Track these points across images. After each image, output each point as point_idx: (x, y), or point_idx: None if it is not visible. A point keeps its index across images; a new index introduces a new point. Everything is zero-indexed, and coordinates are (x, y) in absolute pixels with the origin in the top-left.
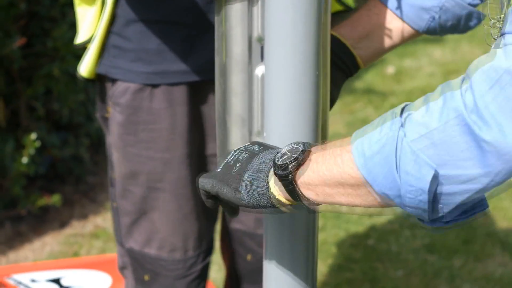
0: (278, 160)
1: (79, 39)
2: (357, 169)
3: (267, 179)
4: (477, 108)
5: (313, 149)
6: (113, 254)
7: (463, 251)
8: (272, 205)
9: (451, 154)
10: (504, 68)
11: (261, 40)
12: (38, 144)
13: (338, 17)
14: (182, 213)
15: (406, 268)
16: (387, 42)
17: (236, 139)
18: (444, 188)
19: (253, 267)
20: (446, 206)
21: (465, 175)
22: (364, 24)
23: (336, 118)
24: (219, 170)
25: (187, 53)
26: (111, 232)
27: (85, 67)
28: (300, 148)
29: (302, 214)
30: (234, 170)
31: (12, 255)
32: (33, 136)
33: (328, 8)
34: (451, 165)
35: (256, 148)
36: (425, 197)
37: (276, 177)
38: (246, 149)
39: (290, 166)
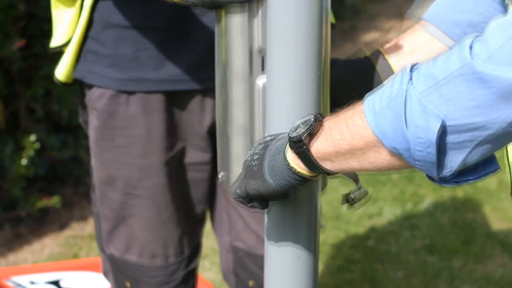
0: (292, 134)
1: (54, 43)
2: (368, 126)
3: (285, 156)
4: (491, 57)
5: (326, 118)
6: None
7: (463, 252)
8: (298, 180)
9: (458, 104)
10: None
11: (262, 51)
12: (37, 145)
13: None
14: (160, 219)
15: (406, 269)
16: None
17: (238, 148)
18: (452, 138)
19: None
20: (454, 159)
21: (472, 123)
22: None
23: None
24: (242, 172)
25: (163, 61)
26: None
27: (61, 71)
28: (312, 118)
29: (304, 215)
30: (254, 164)
31: (12, 257)
32: (33, 137)
33: (328, 20)
34: (458, 114)
35: (268, 138)
36: (433, 148)
37: (292, 151)
38: (259, 144)
39: (303, 137)
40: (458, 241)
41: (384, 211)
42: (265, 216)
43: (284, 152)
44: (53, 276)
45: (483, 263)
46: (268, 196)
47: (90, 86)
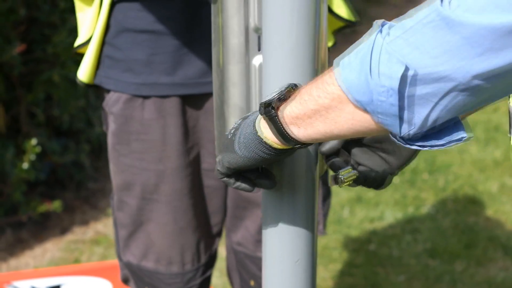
0: (263, 100)
1: (78, 42)
2: (335, 82)
3: (255, 125)
4: (460, 5)
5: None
6: (113, 261)
7: (464, 256)
8: (268, 151)
9: (423, 51)
10: None
11: (258, 30)
12: (38, 150)
13: (340, 33)
14: (178, 226)
15: (407, 273)
16: None
17: None
18: (415, 89)
19: None
20: (417, 114)
21: (436, 72)
22: None
23: None
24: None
25: (176, 65)
26: (112, 239)
27: (84, 73)
28: (286, 85)
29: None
30: (229, 137)
31: (13, 262)
32: (34, 142)
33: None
34: (423, 62)
35: (249, 113)
36: (395, 98)
37: (262, 117)
38: (240, 118)
39: (273, 102)
40: (460, 245)
41: (385, 215)
42: (262, 219)
43: (254, 121)
44: (54, 281)
45: (485, 267)
46: (240, 168)
47: (108, 91)
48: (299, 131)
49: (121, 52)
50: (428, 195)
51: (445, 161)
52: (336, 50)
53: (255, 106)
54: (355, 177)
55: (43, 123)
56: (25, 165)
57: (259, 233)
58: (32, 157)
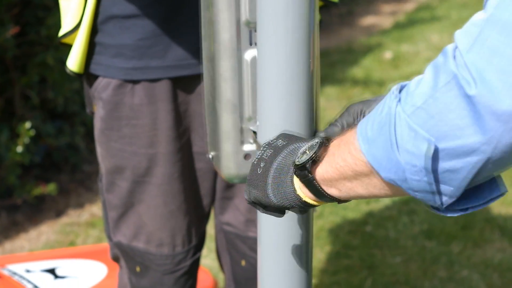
0: (297, 161)
1: (63, 31)
2: (362, 155)
3: (293, 181)
4: (465, 66)
5: (332, 141)
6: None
7: (461, 237)
8: (303, 205)
9: (449, 124)
10: (484, 20)
11: (249, 24)
12: (32, 133)
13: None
14: (168, 209)
15: (404, 254)
16: None
17: (227, 126)
18: (447, 165)
19: (248, 275)
20: (455, 187)
21: (466, 145)
22: None
23: (333, 104)
24: (248, 173)
25: (166, 47)
26: None
27: (73, 62)
28: (317, 143)
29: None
30: (259, 171)
31: (8, 245)
32: (28, 125)
33: None
34: (450, 136)
35: (279, 142)
36: (430, 177)
37: (298, 179)
38: (269, 145)
39: (307, 165)
40: (456, 226)
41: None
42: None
43: (291, 175)
44: (49, 264)
45: (482, 248)
46: (267, 207)
47: (96, 77)
48: (340, 194)
49: (110, 37)
50: None
51: None
52: (333, 31)
53: (248, 101)
54: None
55: (37, 106)
56: (19, 149)
57: (249, 212)
58: (26, 140)
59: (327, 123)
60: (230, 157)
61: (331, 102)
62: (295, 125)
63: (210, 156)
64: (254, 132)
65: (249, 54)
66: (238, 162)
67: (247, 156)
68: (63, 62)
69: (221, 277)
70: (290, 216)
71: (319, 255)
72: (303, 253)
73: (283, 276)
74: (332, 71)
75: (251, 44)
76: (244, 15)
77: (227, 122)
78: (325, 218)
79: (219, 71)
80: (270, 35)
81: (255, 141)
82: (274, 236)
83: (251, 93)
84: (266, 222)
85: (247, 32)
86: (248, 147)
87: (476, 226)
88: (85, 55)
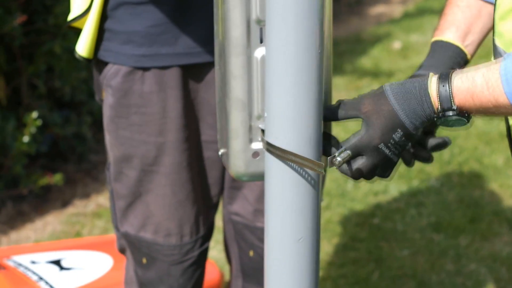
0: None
1: (72, 15)
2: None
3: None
4: None
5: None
6: (114, 235)
7: (469, 230)
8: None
9: None
10: None
11: (259, 22)
12: (39, 122)
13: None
14: (177, 198)
15: (411, 248)
16: (485, 28)
17: (236, 123)
18: None
19: (256, 266)
20: None
21: None
22: (463, 21)
23: (341, 95)
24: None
25: (177, 35)
26: None
27: (83, 47)
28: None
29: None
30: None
31: (14, 235)
32: (35, 114)
33: None
34: None
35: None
36: None
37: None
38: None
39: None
40: (464, 219)
41: (390, 188)
42: (265, 197)
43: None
44: (54, 255)
45: (490, 241)
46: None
47: (106, 63)
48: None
49: (120, 24)
50: (433, 168)
51: (450, 133)
52: (342, 21)
53: (257, 100)
54: (349, 157)
55: (44, 95)
56: (26, 138)
57: (258, 202)
58: (33, 130)
59: None
60: (239, 154)
61: (340, 92)
62: (303, 124)
63: (220, 153)
64: (263, 131)
65: (259, 52)
66: (246, 160)
67: (255, 154)
68: (70, 51)
69: (227, 269)
70: (297, 208)
71: (326, 247)
72: (311, 249)
73: (289, 268)
74: (340, 61)
75: (261, 42)
76: (255, 13)
77: (236, 119)
78: (332, 210)
79: (229, 68)
80: (278, 33)
81: (263, 140)
82: (281, 228)
83: (260, 91)
84: (273, 213)
85: (258, 30)
86: (257, 145)
87: (484, 219)
88: (94, 41)
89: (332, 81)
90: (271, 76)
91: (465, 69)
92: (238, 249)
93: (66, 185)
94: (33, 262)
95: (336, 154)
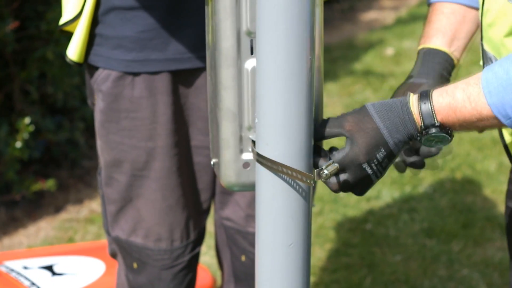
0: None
1: (64, 19)
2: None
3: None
4: None
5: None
6: (106, 240)
7: (462, 236)
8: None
9: None
10: None
11: (250, 33)
12: (32, 128)
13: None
14: (167, 203)
15: (404, 253)
16: (470, 33)
17: (227, 134)
18: None
19: (248, 270)
20: None
21: None
22: (449, 27)
23: (334, 101)
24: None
25: (167, 40)
26: None
27: (73, 51)
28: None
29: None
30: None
31: (6, 241)
32: (27, 120)
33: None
34: None
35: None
36: None
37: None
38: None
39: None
40: (457, 225)
41: (382, 194)
42: (256, 204)
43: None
44: (47, 261)
45: (482, 247)
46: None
47: (96, 68)
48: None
49: (111, 29)
50: (426, 174)
51: None
52: (335, 27)
53: (247, 111)
54: (337, 170)
55: (37, 101)
56: (19, 144)
57: (249, 207)
58: (26, 135)
59: None
60: (230, 164)
61: (332, 98)
62: (293, 135)
63: (212, 163)
64: (253, 142)
65: (249, 63)
66: (237, 170)
67: (246, 164)
68: (63, 57)
69: (219, 275)
70: (288, 215)
71: (319, 253)
72: (302, 255)
73: (280, 273)
74: (333, 67)
75: (252, 54)
76: (245, 24)
77: (226, 130)
78: (325, 216)
79: (220, 79)
80: (269, 44)
81: (253, 151)
82: (272, 234)
83: (251, 102)
84: (264, 220)
85: (248, 42)
86: (248, 155)
87: (476, 224)
88: (85, 45)
89: (323, 96)
90: (261, 87)
91: (444, 86)
92: (230, 254)
93: (59, 190)
94: (25, 268)
95: (324, 166)
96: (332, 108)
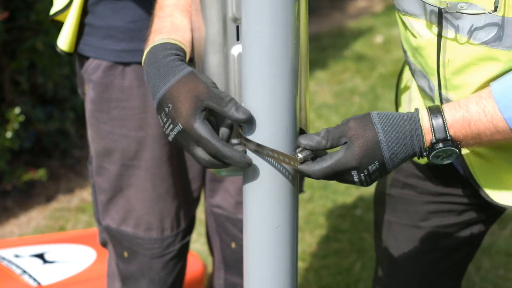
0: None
1: (54, 9)
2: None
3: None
4: None
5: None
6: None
7: None
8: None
9: None
10: None
11: (236, 20)
12: (22, 118)
13: None
14: (157, 192)
15: None
16: None
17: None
18: None
19: (238, 257)
20: None
21: None
22: None
23: (324, 89)
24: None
25: None
26: None
27: (64, 41)
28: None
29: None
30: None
31: None
32: (17, 110)
33: None
34: None
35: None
36: None
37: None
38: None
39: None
40: None
41: None
42: (243, 188)
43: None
44: (38, 249)
45: None
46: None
47: (87, 58)
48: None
49: (101, 19)
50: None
51: None
52: (324, 15)
53: (234, 96)
54: (310, 157)
55: (27, 91)
56: (9, 134)
57: (239, 194)
58: (16, 125)
59: (317, 108)
60: None
61: (322, 86)
62: (279, 121)
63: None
64: (240, 126)
65: (236, 49)
66: None
67: None
68: (52, 47)
69: (210, 261)
70: (274, 198)
71: (309, 238)
72: (289, 238)
73: (268, 256)
74: (322, 56)
75: (238, 40)
76: (231, 11)
77: None
78: (315, 202)
79: (206, 65)
80: (253, 30)
81: (241, 136)
82: (259, 222)
83: (238, 88)
84: (251, 201)
85: (234, 28)
86: (234, 140)
87: None
88: (75, 35)
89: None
90: (246, 72)
91: (452, 102)
92: (220, 241)
93: (50, 180)
94: (16, 256)
95: (297, 150)
96: (321, 96)
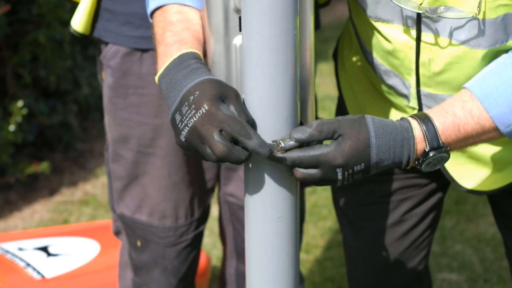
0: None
1: None
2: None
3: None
4: None
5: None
6: (101, 221)
7: (454, 212)
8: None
9: None
10: None
11: (238, 11)
12: (25, 111)
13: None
14: (172, 180)
15: None
16: None
17: None
18: None
19: None
20: None
21: None
22: None
23: (326, 80)
24: None
25: None
26: (100, 199)
27: (78, 23)
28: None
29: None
30: None
31: (1, 224)
32: (20, 103)
33: None
34: None
35: None
36: None
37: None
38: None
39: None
40: (450, 201)
41: None
42: (244, 178)
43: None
44: (42, 242)
45: (474, 223)
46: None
47: (106, 44)
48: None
49: (120, 5)
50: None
51: None
52: (330, 8)
53: (236, 86)
54: (293, 147)
55: (29, 85)
56: (12, 127)
57: None
58: (19, 119)
59: (320, 100)
60: None
61: (325, 78)
62: (279, 111)
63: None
64: None
65: (238, 39)
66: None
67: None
68: (55, 40)
69: (214, 254)
70: (276, 188)
71: (312, 231)
72: (290, 228)
73: (270, 246)
74: (325, 47)
75: (240, 30)
76: (233, 1)
77: None
78: (318, 194)
79: (209, 55)
80: (254, 20)
81: None
82: (261, 212)
83: (240, 78)
84: (252, 192)
85: (236, 19)
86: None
87: (469, 200)
88: (91, 17)
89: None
90: (247, 63)
91: (436, 108)
92: (233, 230)
93: (53, 173)
94: (20, 249)
95: (280, 140)
96: (324, 87)
